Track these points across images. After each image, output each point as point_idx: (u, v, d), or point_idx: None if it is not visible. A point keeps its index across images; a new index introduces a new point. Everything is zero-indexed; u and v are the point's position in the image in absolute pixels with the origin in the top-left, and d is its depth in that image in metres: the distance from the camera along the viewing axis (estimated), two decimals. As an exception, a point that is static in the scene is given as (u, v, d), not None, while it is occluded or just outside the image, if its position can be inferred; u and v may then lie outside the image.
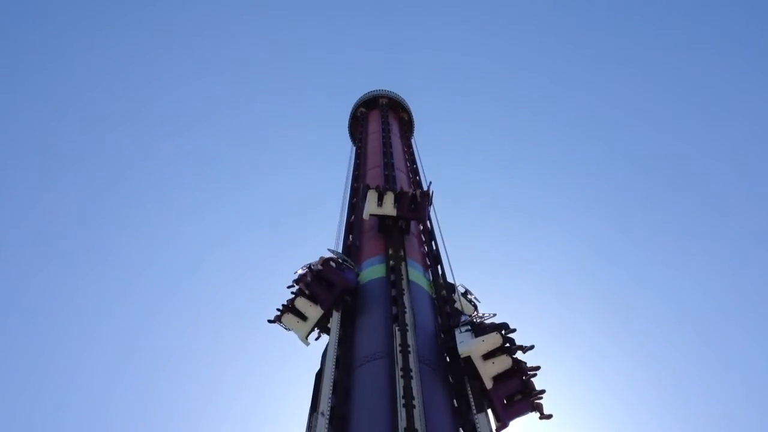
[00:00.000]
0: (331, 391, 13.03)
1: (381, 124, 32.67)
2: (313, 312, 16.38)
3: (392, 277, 17.06)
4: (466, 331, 14.41)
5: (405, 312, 15.02)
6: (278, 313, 16.73)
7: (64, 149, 77.44)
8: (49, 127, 74.85)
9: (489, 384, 13.65)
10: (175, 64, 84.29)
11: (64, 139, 77.05)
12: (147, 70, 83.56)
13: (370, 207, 19.69)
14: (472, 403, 13.11)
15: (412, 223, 20.57)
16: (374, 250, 19.50)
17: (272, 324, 16.74)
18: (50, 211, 73.28)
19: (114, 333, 71.15)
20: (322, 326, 16.60)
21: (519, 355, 13.90)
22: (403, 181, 25.00)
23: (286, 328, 16.76)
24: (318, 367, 14.83)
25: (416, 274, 18.12)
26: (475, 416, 12.78)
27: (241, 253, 78.76)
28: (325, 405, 12.65)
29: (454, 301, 17.36)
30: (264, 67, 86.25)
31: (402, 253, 18.31)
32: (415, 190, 21.01)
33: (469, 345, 13.86)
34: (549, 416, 13.62)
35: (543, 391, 13.66)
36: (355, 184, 26.48)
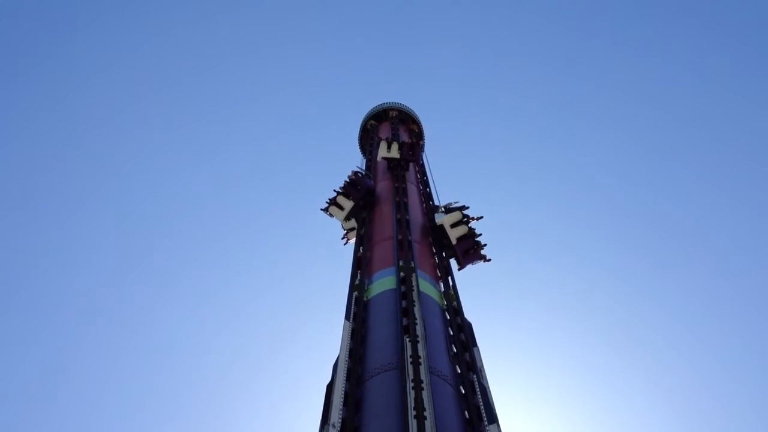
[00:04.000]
0: (342, 403, 13.00)
1: (391, 136, 32.79)
2: (347, 204, 25.06)
3: (403, 288, 17.09)
4: (441, 212, 23.19)
5: (416, 323, 15.02)
6: (326, 205, 25.45)
7: (56, 144, 77.46)
8: (39, 120, 74.90)
9: (454, 242, 22.60)
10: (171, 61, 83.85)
11: (54, 133, 77.10)
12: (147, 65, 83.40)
13: (382, 152, 27.59)
14: (484, 415, 13.07)
15: (411, 167, 28.03)
16: (385, 262, 19.51)
17: (323, 213, 25.84)
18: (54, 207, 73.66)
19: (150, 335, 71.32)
20: (353, 215, 25.09)
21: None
22: (413, 192, 25.95)
23: (330, 215, 25.50)
24: (329, 379, 14.84)
25: (427, 286, 18.13)
26: (487, 427, 12.72)
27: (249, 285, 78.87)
28: (336, 417, 12.63)
29: (438, 206, 24.41)
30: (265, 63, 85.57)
31: (412, 265, 18.34)
32: (412, 141, 29.50)
33: (441, 218, 22.77)
34: (489, 260, 23.05)
35: (485, 245, 23.01)
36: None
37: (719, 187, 72.46)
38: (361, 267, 20.12)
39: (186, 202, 79.82)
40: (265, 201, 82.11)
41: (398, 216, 22.39)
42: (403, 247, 19.81)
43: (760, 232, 68.13)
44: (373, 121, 37.17)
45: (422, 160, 30.05)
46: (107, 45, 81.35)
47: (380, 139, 29.36)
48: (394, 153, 27.31)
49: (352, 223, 25.45)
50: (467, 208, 23.12)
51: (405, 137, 33.77)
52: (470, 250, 22.73)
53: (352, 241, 24.30)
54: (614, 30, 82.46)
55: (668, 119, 77.12)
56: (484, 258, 22.87)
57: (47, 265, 71.09)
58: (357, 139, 37.72)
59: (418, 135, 36.95)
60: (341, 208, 25.16)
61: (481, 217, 22.96)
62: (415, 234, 21.59)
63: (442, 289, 19.20)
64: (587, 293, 73.78)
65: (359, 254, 21.44)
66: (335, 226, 26.56)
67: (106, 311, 72.00)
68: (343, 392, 13.30)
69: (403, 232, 21.02)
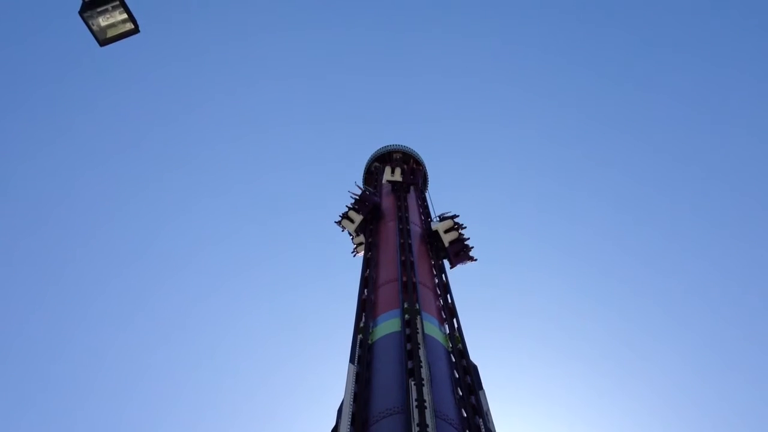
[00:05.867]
0: (346, 449, 12.84)
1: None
2: (357, 217, 28.53)
3: (408, 331, 17.00)
4: (436, 220, 27.31)
5: (421, 366, 14.90)
6: (339, 219, 29.04)
7: (79, 151, 78.19)
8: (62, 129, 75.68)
9: (447, 245, 26.25)
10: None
11: (80, 140, 77.80)
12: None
13: (386, 176, 32.32)
14: None
15: (412, 189, 31.82)
16: (389, 304, 19.46)
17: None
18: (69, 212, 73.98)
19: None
20: (360, 229, 28.44)
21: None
22: (417, 234, 26.65)
23: (342, 228, 29.11)
24: (333, 423, 14.69)
25: (432, 328, 18.04)
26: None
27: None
28: (340, 463, 12.46)
29: (429, 217, 29.70)
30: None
31: (417, 307, 18.30)
32: (411, 167, 34.11)
33: (436, 225, 26.78)
34: (475, 260, 26.93)
35: (472, 247, 26.79)
36: (370, 239, 26.78)
37: (722, 188, 71.93)
38: (366, 309, 20.07)
39: (196, 242, 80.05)
40: (269, 242, 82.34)
41: (402, 258, 22.45)
42: (408, 290, 19.78)
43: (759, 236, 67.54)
44: (377, 164, 37.60)
45: (426, 199, 33.41)
46: (130, 56, 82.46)
47: (386, 163, 34.85)
48: (397, 176, 31.86)
49: (362, 238, 28.78)
50: (458, 216, 27.39)
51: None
52: (460, 252, 26.58)
53: (361, 254, 27.62)
54: (609, 38, 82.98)
55: (669, 119, 76.90)
56: (471, 258, 26.89)
57: (74, 275, 71.56)
58: (362, 180, 38.05)
59: (423, 178, 37.30)
60: (352, 221, 28.77)
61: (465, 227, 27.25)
62: (420, 275, 21.60)
63: (447, 331, 19.10)
64: (591, 328, 73.09)
65: (364, 297, 21.42)
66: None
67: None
68: (347, 437, 13.15)
69: (407, 274, 21.00)
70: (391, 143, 38.60)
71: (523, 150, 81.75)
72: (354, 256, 29.74)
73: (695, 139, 75.15)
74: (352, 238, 29.68)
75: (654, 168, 75.66)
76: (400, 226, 25.86)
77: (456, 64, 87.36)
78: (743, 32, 72.73)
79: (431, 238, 26.47)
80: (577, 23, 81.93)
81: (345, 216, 29.04)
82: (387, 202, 29.74)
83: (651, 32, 76.87)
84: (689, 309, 68.75)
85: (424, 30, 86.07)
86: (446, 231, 26.51)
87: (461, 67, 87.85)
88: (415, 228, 26.63)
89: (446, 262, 26.32)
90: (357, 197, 29.30)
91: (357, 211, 28.78)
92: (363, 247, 27.88)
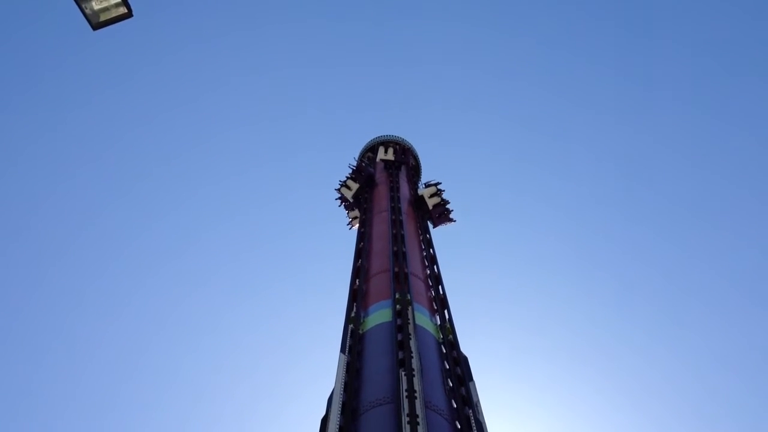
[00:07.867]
0: (336, 438, 12.84)
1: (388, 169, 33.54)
2: (354, 185, 32.21)
3: (399, 321, 17.01)
4: (422, 187, 31.46)
5: (412, 357, 14.91)
6: (339, 187, 32.66)
7: (74, 146, 77.91)
8: (60, 125, 75.41)
9: (431, 207, 30.39)
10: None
11: (75, 136, 77.59)
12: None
13: (380, 155, 35.22)
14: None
15: (403, 167, 34.53)
16: (381, 294, 19.46)
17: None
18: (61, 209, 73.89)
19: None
20: (356, 201, 32.04)
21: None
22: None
23: (341, 195, 32.60)
24: (323, 412, 14.70)
25: (423, 319, 18.04)
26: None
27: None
28: (330, 452, 12.47)
29: (417, 186, 33.55)
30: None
31: (409, 297, 18.29)
32: (403, 146, 37.04)
33: (422, 190, 31.11)
34: (454, 221, 31.47)
35: (451, 210, 31.29)
36: (362, 229, 26.81)
37: (722, 185, 71.83)
38: (357, 299, 20.07)
39: (190, 233, 79.90)
40: (259, 233, 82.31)
41: (395, 248, 22.47)
42: (400, 280, 19.79)
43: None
44: (370, 154, 37.54)
45: (414, 175, 36.42)
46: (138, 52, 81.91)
47: (380, 143, 37.44)
48: (390, 156, 35.03)
49: (356, 213, 32.02)
50: (440, 183, 31.53)
51: (403, 172, 34.34)
52: (441, 214, 30.71)
53: (356, 227, 30.81)
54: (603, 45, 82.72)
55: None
56: (451, 220, 31.23)
57: (68, 267, 71.46)
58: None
59: (415, 168, 37.25)
60: (349, 188, 32.35)
61: (441, 186, 31.39)
62: (412, 265, 21.63)
63: (439, 323, 19.14)
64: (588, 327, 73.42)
65: (355, 287, 21.41)
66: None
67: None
68: (337, 426, 13.15)
69: (399, 264, 21.00)
70: (385, 134, 38.66)
71: (523, 144, 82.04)
72: (350, 228, 33.16)
73: (695, 134, 75.19)
74: (348, 213, 33.03)
75: (653, 163, 75.88)
76: (395, 249, 24.97)
77: (454, 57, 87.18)
78: (746, 27, 72.66)
79: (418, 202, 30.17)
80: (576, 16, 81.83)
81: (344, 184, 32.70)
82: (380, 176, 32.83)
83: (651, 25, 76.74)
84: (684, 306, 69.15)
85: (422, 20, 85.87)
86: (430, 196, 30.59)
87: (460, 59, 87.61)
88: (405, 196, 29.42)
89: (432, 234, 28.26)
90: (354, 167, 33.02)
91: (354, 180, 32.34)
92: (358, 221, 30.96)
